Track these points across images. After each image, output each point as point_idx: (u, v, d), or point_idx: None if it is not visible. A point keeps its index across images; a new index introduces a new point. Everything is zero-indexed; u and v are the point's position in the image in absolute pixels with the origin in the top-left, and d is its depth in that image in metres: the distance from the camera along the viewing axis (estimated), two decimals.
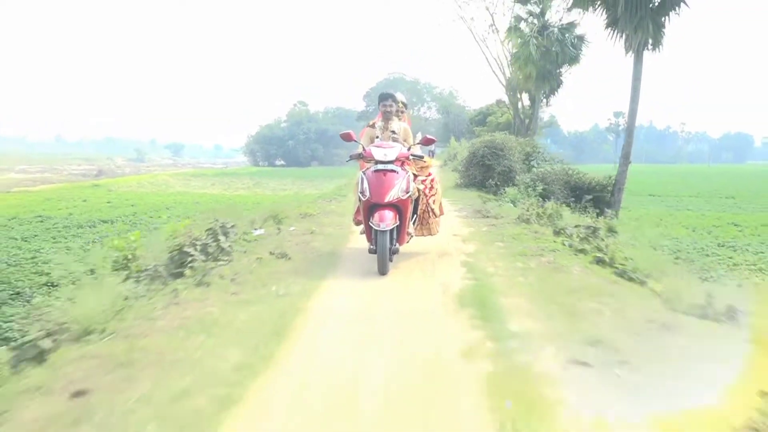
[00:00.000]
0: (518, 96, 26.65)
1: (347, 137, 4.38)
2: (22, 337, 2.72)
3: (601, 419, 1.87)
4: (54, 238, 10.21)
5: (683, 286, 3.45)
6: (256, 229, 5.87)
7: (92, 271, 3.82)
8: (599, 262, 4.35)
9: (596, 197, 12.40)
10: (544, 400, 1.99)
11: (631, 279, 3.89)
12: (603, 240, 5.07)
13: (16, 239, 9.95)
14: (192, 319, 2.94)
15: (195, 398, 2.01)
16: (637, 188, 33.43)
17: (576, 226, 5.63)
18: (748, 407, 1.89)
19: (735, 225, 15.86)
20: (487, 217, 7.33)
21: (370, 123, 4.82)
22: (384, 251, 3.95)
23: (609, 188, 12.65)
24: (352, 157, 4.53)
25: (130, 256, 4.44)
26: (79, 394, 2.07)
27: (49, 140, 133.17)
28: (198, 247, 4.53)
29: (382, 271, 4.02)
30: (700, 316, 3.03)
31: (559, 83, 23.13)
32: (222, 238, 4.86)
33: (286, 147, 65.73)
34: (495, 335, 2.66)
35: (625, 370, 2.26)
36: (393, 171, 4.10)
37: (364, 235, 4.37)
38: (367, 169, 4.24)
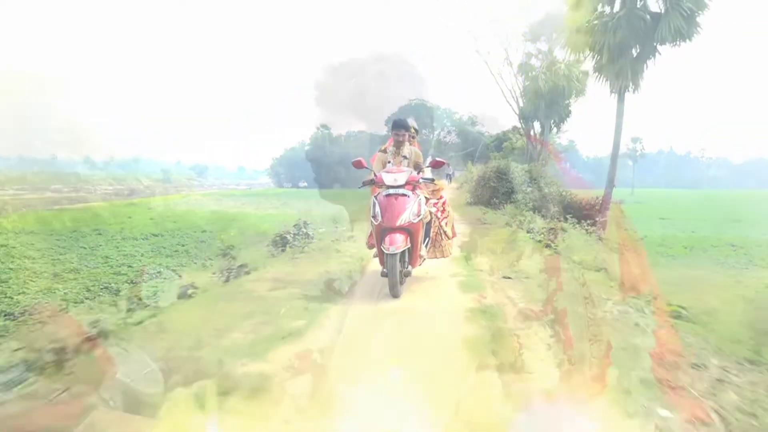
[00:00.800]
0: (530, 124, 29.20)
1: (358, 164, 4.50)
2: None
3: (506, 292, 4.37)
4: (117, 248, 11.78)
5: (588, 257, 5.92)
6: (321, 229, 8.54)
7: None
8: (547, 246, 6.83)
9: (586, 214, 14.78)
10: (483, 286, 4.53)
11: (560, 254, 6.36)
12: (556, 235, 7.53)
13: (85, 248, 11.51)
14: (311, 261, 5.58)
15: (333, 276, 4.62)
16: (649, 212, 35.02)
17: (542, 227, 8.12)
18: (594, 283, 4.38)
19: (732, 245, 17.64)
20: (484, 223, 9.87)
21: (382, 148, 4.90)
22: (395, 274, 4.03)
23: (597, 207, 15.00)
24: (365, 184, 4.58)
25: (230, 246, 7.09)
26: (276, 281, 4.70)
27: (78, 160, 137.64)
28: (292, 235, 7.23)
29: (394, 293, 4.08)
30: (588, 268, 5.49)
31: (567, 114, 25.63)
32: (305, 230, 7.56)
33: (309, 169, 69.21)
34: (468, 269, 5.21)
35: (528, 280, 4.76)
36: (404, 195, 4.16)
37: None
38: (379, 193, 4.30)
